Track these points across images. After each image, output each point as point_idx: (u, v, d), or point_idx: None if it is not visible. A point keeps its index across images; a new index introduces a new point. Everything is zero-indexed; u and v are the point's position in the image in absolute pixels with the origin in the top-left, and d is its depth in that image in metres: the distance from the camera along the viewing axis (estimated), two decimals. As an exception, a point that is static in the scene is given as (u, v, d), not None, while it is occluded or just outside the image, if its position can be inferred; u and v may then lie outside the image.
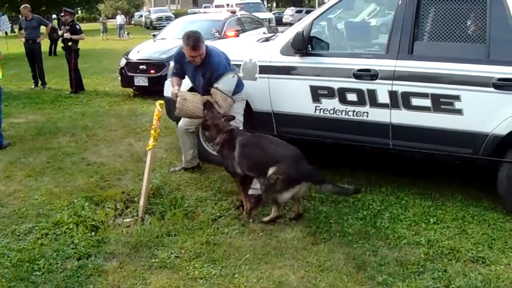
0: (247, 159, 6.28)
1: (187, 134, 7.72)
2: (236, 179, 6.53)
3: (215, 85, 6.84)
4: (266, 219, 6.21)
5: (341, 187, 6.32)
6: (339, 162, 7.56)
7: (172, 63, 8.55)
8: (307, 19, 7.33)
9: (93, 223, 6.26)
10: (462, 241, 5.75)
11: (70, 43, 16.16)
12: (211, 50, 6.98)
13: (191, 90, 7.52)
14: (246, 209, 6.44)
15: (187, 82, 7.50)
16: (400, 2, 6.75)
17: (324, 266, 5.23)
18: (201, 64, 6.93)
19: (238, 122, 7.11)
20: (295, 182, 5.94)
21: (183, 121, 7.65)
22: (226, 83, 6.88)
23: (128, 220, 6.42)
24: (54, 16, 43.95)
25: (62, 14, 17.26)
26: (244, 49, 7.95)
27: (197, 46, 6.74)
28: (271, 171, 5.93)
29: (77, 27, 16.23)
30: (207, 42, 7.14)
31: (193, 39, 6.74)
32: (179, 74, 7.46)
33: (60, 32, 17.67)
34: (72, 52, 16.21)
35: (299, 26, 7.26)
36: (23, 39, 17.27)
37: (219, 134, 6.49)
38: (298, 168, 5.96)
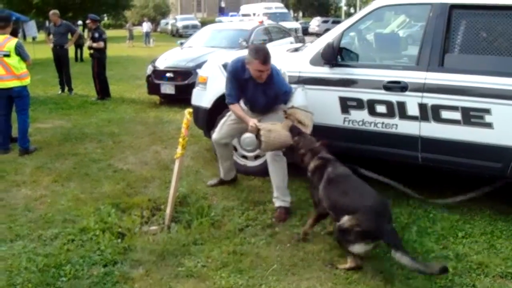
0: (328, 195, 5.70)
1: (222, 146, 7.52)
2: (317, 212, 5.99)
3: (290, 104, 6.63)
4: (341, 266, 5.46)
5: (421, 264, 5.04)
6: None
7: (200, 72, 8.53)
8: (337, 29, 7.31)
9: (120, 230, 6.27)
10: (490, 256, 5.71)
11: (91, 51, 16.28)
12: (272, 67, 6.65)
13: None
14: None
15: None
16: (431, 14, 6.72)
17: (352, 279, 5.20)
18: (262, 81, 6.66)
19: None
20: (371, 239, 5.27)
21: (217, 134, 7.43)
22: (300, 99, 6.69)
23: (154, 228, 6.42)
24: (79, 22, 44.32)
25: (88, 21, 17.38)
26: (273, 59, 7.93)
27: (267, 60, 6.43)
28: (345, 219, 5.29)
29: (96, 35, 16.33)
30: (235, 52, 7.00)
31: (263, 52, 6.43)
32: (236, 97, 7.01)
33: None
34: (94, 60, 16.40)
35: (329, 37, 7.24)
36: (51, 45, 17.41)
37: (313, 159, 6.02)
38: (377, 224, 5.21)
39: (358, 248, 5.27)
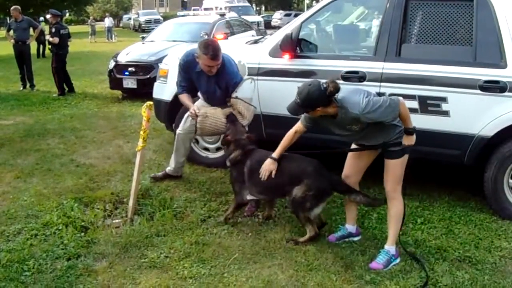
0: (258, 182, 5.88)
1: (185, 142, 7.53)
2: (236, 201, 6.25)
3: (234, 94, 6.66)
4: (302, 239, 5.72)
5: (372, 198, 6.02)
6: (327, 164, 7.58)
7: (161, 65, 8.51)
8: (296, 21, 7.37)
9: (83, 223, 6.27)
10: (449, 241, 5.84)
11: (50, 46, 16.19)
12: (223, 58, 6.65)
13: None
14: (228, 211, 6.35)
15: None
16: (388, 5, 6.81)
17: (313, 266, 5.28)
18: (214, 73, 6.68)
19: None
20: (325, 195, 5.73)
21: (181, 127, 7.43)
22: (245, 90, 6.75)
23: (117, 220, 6.45)
24: (41, 18, 43.94)
25: (49, 15, 17.27)
26: (233, 51, 7.95)
27: (217, 56, 6.46)
28: (295, 190, 5.60)
29: (53, 30, 16.22)
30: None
31: (212, 48, 6.41)
32: (188, 89, 7.12)
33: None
34: (53, 56, 16.36)
35: (288, 29, 7.30)
36: (12, 41, 17.22)
37: (236, 150, 6.18)
38: (324, 179, 5.68)
39: (317, 210, 5.68)
